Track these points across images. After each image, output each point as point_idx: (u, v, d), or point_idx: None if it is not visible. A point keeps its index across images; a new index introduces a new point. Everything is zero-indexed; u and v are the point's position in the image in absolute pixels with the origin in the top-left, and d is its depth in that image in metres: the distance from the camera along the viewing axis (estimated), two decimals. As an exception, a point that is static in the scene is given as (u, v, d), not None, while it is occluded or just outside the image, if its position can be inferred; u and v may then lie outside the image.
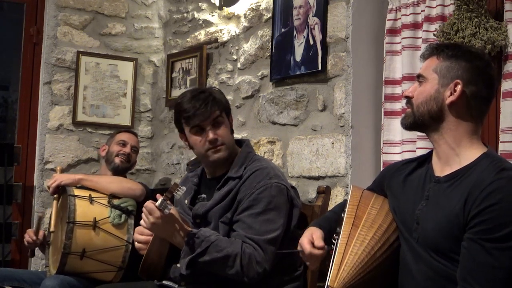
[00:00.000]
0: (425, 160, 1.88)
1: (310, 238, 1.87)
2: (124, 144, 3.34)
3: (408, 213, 1.78)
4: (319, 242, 1.84)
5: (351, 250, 1.74)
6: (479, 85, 1.71)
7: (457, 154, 1.73)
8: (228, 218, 2.21)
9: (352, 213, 1.83)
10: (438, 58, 1.76)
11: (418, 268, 1.71)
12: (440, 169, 1.77)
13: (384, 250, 1.79)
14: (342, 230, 1.80)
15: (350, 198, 1.89)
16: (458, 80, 1.71)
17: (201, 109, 2.26)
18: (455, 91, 1.71)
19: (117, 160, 3.29)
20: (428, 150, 2.41)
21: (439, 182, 1.74)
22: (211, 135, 2.27)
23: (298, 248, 1.91)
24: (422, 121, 1.78)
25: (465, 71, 1.71)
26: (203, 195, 2.37)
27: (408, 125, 1.82)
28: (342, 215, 1.88)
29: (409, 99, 1.81)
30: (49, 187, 3.06)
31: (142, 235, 2.23)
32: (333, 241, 1.86)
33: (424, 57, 1.82)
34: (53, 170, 3.65)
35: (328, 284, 1.70)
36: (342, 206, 2.04)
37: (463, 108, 1.72)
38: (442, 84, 1.73)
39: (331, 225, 1.93)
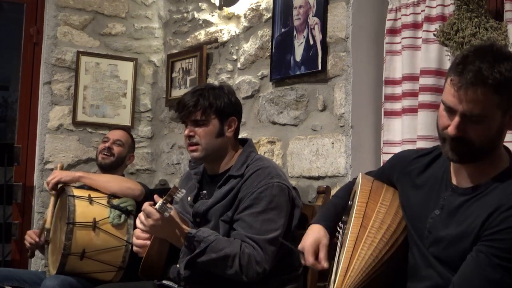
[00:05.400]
0: (438, 156, 1.80)
1: (316, 248, 1.85)
2: (106, 140, 3.36)
3: (419, 217, 1.74)
4: (324, 263, 1.82)
5: (358, 254, 1.71)
6: None
7: (484, 168, 1.64)
8: (229, 217, 2.21)
9: (361, 212, 1.79)
10: (497, 91, 1.53)
11: (428, 273, 1.68)
12: (458, 177, 1.70)
13: (392, 252, 1.76)
14: (350, 231, 1.76)
15: (360, 193, 1.84)
16: None
17: (184, 107, 2.29)
18: None
19: (99, 157, 3.33)
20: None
21: (455, 192, 1.68)
22: (186, 131, 2.32)
23: (300, 247, 1.90)
24: (481, 156, 1.62)
25: None
26: (204, 191, 2.37)
27: (463, 161, 1.65)
28: (350, 202, 1.85)
29: (460, 138, 1.58)
30: (48, 183, 3.05)
31: (139, 239, 2.23)
32: (338, 229, 1.85)
33: (469, 84, 1.53)
34: (54, 169, 3.64)
35: None
36: (347, 191, 2.01)
37: None
38: (504, 116, 1.58)
39: (337, 219, 1.90)
